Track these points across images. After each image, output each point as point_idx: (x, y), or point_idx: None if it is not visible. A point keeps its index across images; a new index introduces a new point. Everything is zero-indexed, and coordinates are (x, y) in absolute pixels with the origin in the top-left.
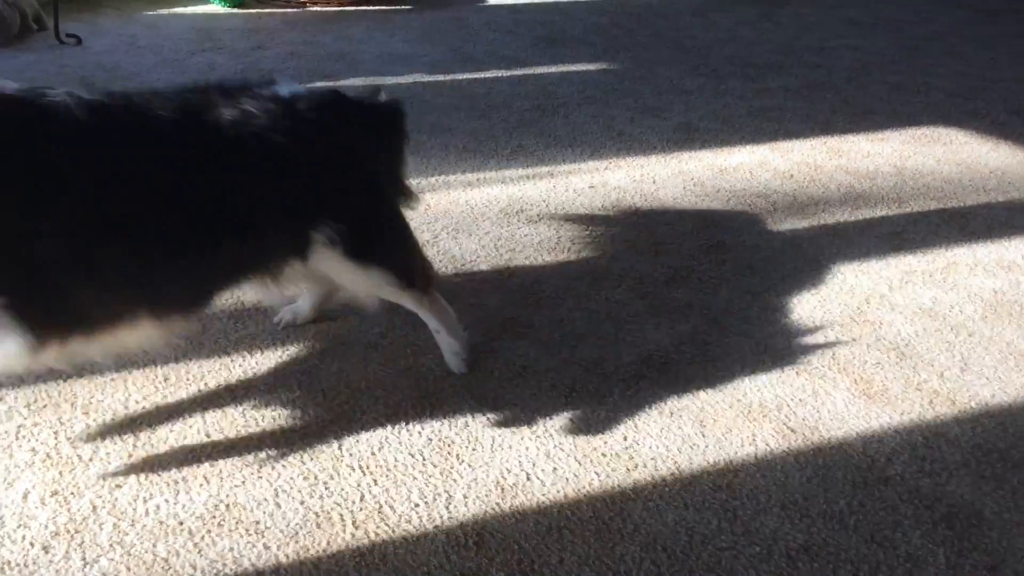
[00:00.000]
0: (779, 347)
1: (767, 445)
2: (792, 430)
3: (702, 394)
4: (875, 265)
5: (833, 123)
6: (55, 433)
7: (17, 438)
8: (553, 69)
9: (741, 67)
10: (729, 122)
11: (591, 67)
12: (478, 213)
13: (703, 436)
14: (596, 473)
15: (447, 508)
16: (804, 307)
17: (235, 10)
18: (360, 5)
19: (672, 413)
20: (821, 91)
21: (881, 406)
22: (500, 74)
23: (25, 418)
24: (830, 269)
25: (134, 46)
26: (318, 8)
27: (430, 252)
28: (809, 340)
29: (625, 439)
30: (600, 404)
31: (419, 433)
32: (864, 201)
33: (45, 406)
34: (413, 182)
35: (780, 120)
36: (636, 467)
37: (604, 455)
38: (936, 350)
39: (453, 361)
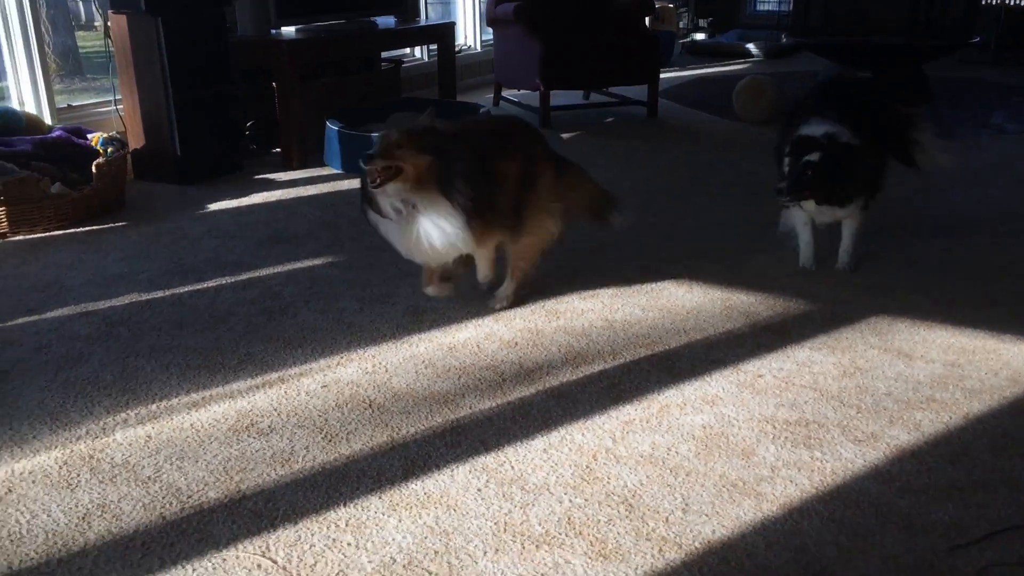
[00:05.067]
0: (517, 523)
1: None
2: None
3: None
4: (598, 420)
5: (548, 286)
6: None
7: None
8: (280, 269)
9: None
10: (456, 299)
11: (318, 261)
12: (204, 435)
13: None
14: None
15: None
16: (538, 475)
17: None
18: (69, 228)
19: None
20: None
21: (617, 564)
22: (224, 281)
23: None
24: (558, 431)
25: None
26: (20, 237)
27: (152, 489)
28: (544, 509)
29: None
30: None
31: None
32: (583, 358)
33: None
34: (131, 413)
35: None
36: None
37: None
38: (660, 496)
39: None
